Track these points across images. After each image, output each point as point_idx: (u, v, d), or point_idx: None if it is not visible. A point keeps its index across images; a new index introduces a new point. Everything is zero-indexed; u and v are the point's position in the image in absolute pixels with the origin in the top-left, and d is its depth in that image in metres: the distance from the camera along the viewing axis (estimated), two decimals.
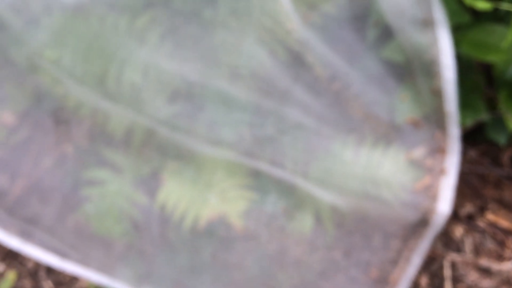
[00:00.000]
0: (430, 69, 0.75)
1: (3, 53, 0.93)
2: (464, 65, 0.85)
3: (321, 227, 0.85)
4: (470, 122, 0.89)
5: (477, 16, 0.86)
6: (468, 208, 1.01)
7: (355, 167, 0.79)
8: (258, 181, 0.85)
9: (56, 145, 0.95)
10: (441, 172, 0.77)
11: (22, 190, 0.96)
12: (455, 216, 1.00)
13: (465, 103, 0.87)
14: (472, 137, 1.00)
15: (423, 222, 0.78)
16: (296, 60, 0.79)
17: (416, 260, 0.81)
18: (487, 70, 0.93)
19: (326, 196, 0.81)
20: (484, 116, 0.90)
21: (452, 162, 0.77)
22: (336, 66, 0.75)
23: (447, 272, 0.97)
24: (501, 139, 0.94)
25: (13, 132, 0.96)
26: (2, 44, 0.92)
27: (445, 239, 0.99)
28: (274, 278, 0.88)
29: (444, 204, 0.76)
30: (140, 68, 0.86)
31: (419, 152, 0.79)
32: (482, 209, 1.01)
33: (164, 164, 0.89)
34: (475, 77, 0.93)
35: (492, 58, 0.80)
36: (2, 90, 0.95)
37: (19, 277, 1.04)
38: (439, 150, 0.78)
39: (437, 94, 0.76)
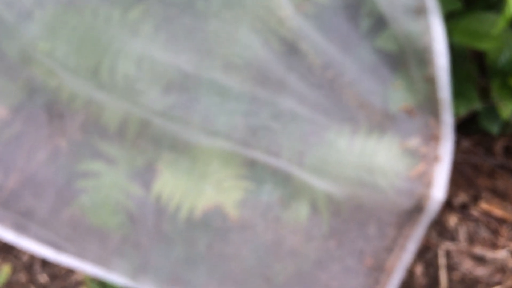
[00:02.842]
0: (423, 57, 0.76)
1: None
2: (457, 55, 0.86)
3: (316, 216, 0.85)
4: (463, 111, 0.90)
5: (469, 4, 0.87)
6: (461, 197, 1.02)
7: (350, 155, 0.79)
8: (254, 171, 0.85)
9: (49, 139, 0.95)
10: (435, 159, 0.78)
11: (16, 184, 0.96)
12: (449, 206, 1.01)
13: (458, 92, 0.87)
14: (465, 127, 1.01)
15: (418, 209, 0.79)
16: (290, 50, 0.79)
17: (411, 246, 0.82)
18: (480, 59, 0.94)
19: (321, 185, 0.81)
20: (477, 105, 0.91)
21: (445, 149, 0.78)
22: (330, 54, 0.75)
23: (442, 261, 0.98)
24: (494, 128, 0.94)
25: (6, 126, 0.95)
26: None
27: (439, 228, 1.00)
28: (270, 268, 0.88)
29: (438, 190, 0.76)
30: (134, 59, 0.86)
31: (413, 140, 0.79)
32: (475, 198, 1.02)
33: (159, 155, 0.89)
34: (468, 66, 0.93)
35: (485, 46, 0.81)
36: None
37: (14, 270, 1.04)
38: (433, 138, 0.79)
39: (431, 82, 0.76)
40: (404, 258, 0.83)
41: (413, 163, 0.79)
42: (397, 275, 0.84)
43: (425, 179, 0.78)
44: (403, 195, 0.78)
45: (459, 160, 1.02)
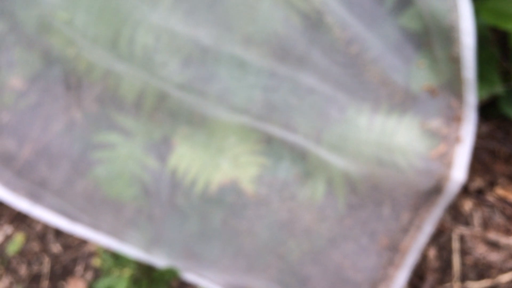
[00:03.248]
0: (448, 36, 0.74)
1: (12, 17, 0.92)
2: (479, 38, 0.84)
3: (332, 194, 0.84)
4: (484, 95, 0.88)
5: None
6: (478, 182, 1.01)
7: (370, 133, 0.78)
8: (271, 147, 0.85)
9: (65, 110, 0.95)
10: (457, 140, 0.77)
11: (31, 154, 0.96)
12: (464, 190, 1.00)
13: (480, 75, 0.86)
14: (484, 112, 0.99)
15: (436, 190, 0.78)
16: (313, 25, 0.78)
17: (427, 228, 0.81)
18: (503, 43, 0.92)
19: (339, 163, 0.80)
20: (498, 89, 0.89)
21: (467, 130, 0.77)
22: (354, 29, 0.74)
23: (455, 245, 0.97)
24: None
25: (21, 97, 0.95)
26: (11, 9, 0.91)
27: (454, 212, 0.99)
28: (283, 245, 0.88)
29: (458, 171, 0.76)
30: (153, 31, 0.85)
31: (434, 120, 0.78)
32: (492, 184, 1.01)
33: (176, 129, 0.88)
34: (491, 49, 0.91)
35: (511, 26, 0.79)
36: (11, 55, 0.94)
37: (27, 239, 1.04)
38: (454, 118, 0.78)
39: (455, 61, 0.75)
40: (419, 239, 0.83)
41: (433, 143, 0.78)
42: (412, 256, 0.84)
43: (445, 160, 0.77)
44: (422, 175, 0.77)
45: (477, 145, 1.00)
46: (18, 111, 0.96)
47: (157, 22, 0.86)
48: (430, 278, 0.96)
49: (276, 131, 0.82)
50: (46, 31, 0.91)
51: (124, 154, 0.90)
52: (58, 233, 1.05)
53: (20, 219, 1.06)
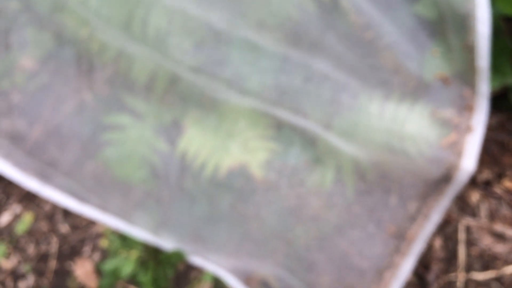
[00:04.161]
0: (463, 24, 0.74)
1: None
2: (494, 28, 0.84)
3: (341, 182, 0.84)
4: (497, 85, 0.88)
5: None
6: (485, 174, 1.01)
7: (381, 121, 0.78)
8: (281, 132, 0.85)
9: (76, 91, 0.95)
10: (468, 129, 0.77)
11: (41, 134, 0.96)
12: (472, 182, 1.00)
13: (493, 66, 0.85)
14: (495, 104, 0.99)
15: (445, 178, 0.78)
16: (327, 10, 0.77)
17: (435, 217, 0.82)
18: None
19: (348, 149, 0.81)
20: (511, 80, 0.89)
21: (479, 120, 0.76)
22: (369, 15, 0.74)
23: (462, 236, 0.98)
24: None
25: (32, 77, 0.95)
26: None
27: (461, 203, 0.99)
28: (291, 230, 0.88)
29: (469, 160, 0.76)
30: (167, 13, 0.85)
31: (446, 109, 0.78)
32: (499, 176, 1.01)
33: (186, 112, 0.89)
34: (504, 40, 0.91)
35: None
36: (23, 34, 0.94)
37: (36, 219, 1.05)
38: (466, 108, 0.78)
39: (469, 50, 0.74)
40: (426, 228, 0.83)
41: (444, 132, 0.78)
42: (418, 245, 0.84)
43: (456, 149, 0.77)
44: (432, 163, 0.77)
45: (486, 137, 1.00)
46: (29, 92, 0.96)
47: (171, 4, 0.86)
48: (435, 268, 0.96)
49: (287, 116, 0.82)
50: (59, 10, 0.91)
51: (134, 136, 0.90)
52: (67, 214, 1.06)
53: (29, 199, 1.07)
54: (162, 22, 0.85)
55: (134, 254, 0.94)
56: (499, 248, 0.96)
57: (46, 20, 0.92)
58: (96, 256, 1.03)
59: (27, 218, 1.05)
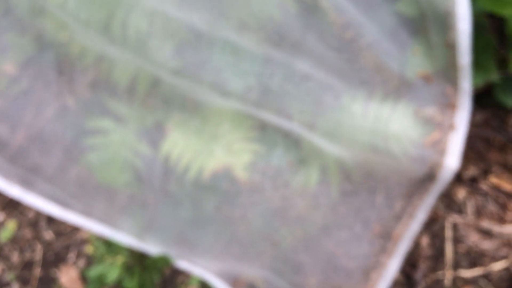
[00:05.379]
0: (444, 22, 0.74)
1: (5, 1, 0.90)
2: (476, 25, 0.84)
3: (326, 182, 0.84)
4: (481, 82, 0.88)
5: None
6: (471, 171, 1.01)
7: (364, 120, 0.78)
8: (264, 134, 0.84)
9: (58, 96, 0.94)
10: (450, 127, 0.77)
11: (23, 140, 0.95)
12: (458, 179, 1.00)
13: (476, 62, 0.85)
14: (479, 100, 0.99)
15: (430, 177, 0.78)
16: (308, 9, 0.77)
17: (420, 215, 0.81)
18: (500, 30, 0.92)
19: (333, 150, 0.80)
20: (494, 76, 0.89)
21: (462, 117, 0.76)
22: (350, 14, 0.73)
23: (448, 233, 0.98)
24: (510, 101, 0.93)
25: (13, 83, 0.94)
26: None
27: (447, 201, 0.99)
28: (277, 232, 0.88)
29: (452, 158, 0.75)
30: (147, 14, 0.84)
31: (429, 107, 0.78)
32: (485, 172, 1.01)
33: (169, 115, 0.88)
34: (487, 36, 0.91)
35: (507, 12, 0.79)
36: (3, 40, 0.93)
37: (20, 226, 1.04)
38: (449, 106, 0.77)
39: (451, 48, 0.74)
40: (412, 227, 0.83)
41: (427, 130, 0.78)
42: (404, 244, 0.84)
43: (439, 147, 0.77)
44: (415, 162, 0.77)
45: (471, 133, 1.00)
46: (10, 97, 0.95)
47: (151, 6, 0.85)
48: (423, 266, 0.96)
49: (270, 117, 0.82)
50: (39, 14, 0.89)
51: (116, 140, 0.89)
52: (51, 220, 1.05)
53: (12, 206, 1.06)
54: (142, 24, 0.84)
55: (120, 259, 0.93)
56: (486, 245, 0.96)
57: (26, 24, 0.91)
58: (81, 262, 1.02)
59: (11, 226, 1.04)
